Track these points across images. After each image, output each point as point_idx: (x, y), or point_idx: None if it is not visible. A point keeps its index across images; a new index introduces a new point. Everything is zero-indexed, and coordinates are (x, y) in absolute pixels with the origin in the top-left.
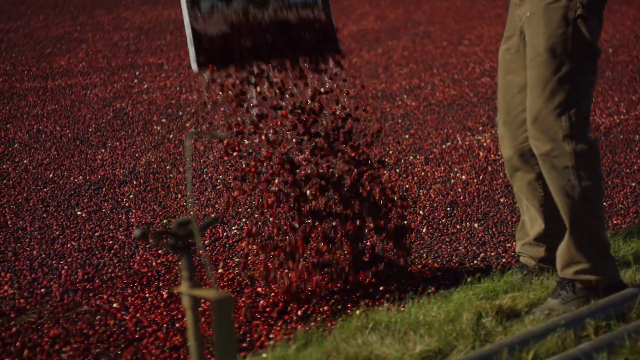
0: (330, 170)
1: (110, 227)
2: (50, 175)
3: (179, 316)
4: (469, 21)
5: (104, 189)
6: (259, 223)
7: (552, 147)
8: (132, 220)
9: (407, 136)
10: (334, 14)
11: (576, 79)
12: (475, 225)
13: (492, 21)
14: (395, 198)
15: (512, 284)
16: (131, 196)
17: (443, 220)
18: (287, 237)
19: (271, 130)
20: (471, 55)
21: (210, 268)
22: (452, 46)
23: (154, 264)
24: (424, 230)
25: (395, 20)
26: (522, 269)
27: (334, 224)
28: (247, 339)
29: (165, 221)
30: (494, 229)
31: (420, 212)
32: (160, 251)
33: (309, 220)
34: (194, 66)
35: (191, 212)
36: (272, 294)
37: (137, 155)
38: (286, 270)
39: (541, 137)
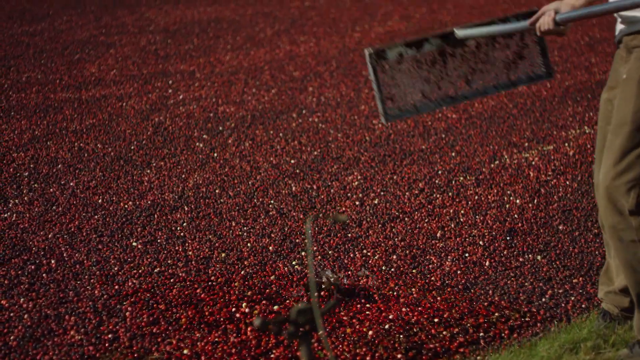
0: None
1: (169, 261)
2: (100, 201)
3: None
4: None
5: (155, 216)
6: None
7: (619, 219)
8: (190, 253)
9: (453, 154)
10: (358, 13)
11: None
12: (539, 257)
13: None
14: None
15: (596, 333)
16: (184, 224)
17: (505, 252)
18: None
19: None
20: None
21: (332, 355)
22: None
23: (216, 304)
24: (487, 263)
25: (421, 20)
26: (605, 317)
27: None
28: None
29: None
30: (557, 262)
31: (480, 243)
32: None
33: None
34: (383, 119)
35: (313, 299)
36: None
37: (183, 176)
38: None
39: (609, 207)
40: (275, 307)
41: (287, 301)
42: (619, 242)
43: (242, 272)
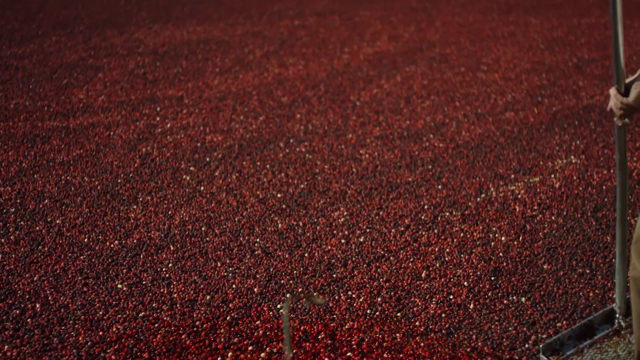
0: None
1: (154, 304)
2: (86, 240)
3: None
4: (484, 41)
5: (141, 256)
6: None
7: None
8: (175, 295)
9: (439, 186)
10: (347, 32)
11: None
12: (523, 299)
13: (506, 41)
14: None
15: None
16: (170, 265)
17: (489, 294)
18: None
19: None
20: (491, 83)
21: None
22: (470, 72)
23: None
24: (472, 306)
25: (410, 40)
26: None
27: None
28: None
29: (208, 297)
30: (542, 304)
31: (465, 284)
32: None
33: None
34: None
35: None
36: None
37: (170, 212)
38: None
39: (637, 261)
40: (262, 355)
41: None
42: (637, 295)
43: (228, 318)
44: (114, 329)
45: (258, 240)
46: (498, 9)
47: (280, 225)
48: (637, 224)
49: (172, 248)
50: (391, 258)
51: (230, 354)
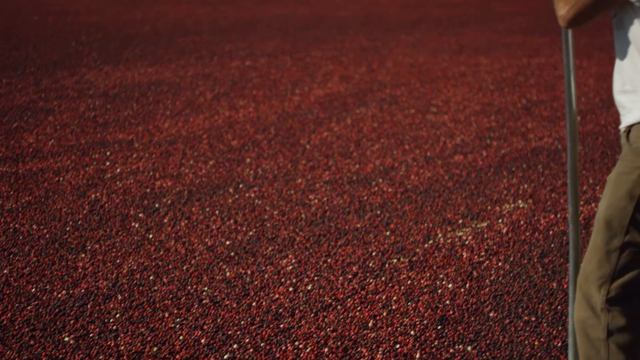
0: None
1: (100, 357)
2: (33, 290)
3: None
4: (434, 81)
5: (89, 306)
6: None
7: (589, 315)
8: (122, 348)
9: (388, 232)
10: (298, 73)
11: (627, 255)
12: (469, 348)
13: (456, 82)
14: None
15: None
16: (117, 315)
17: (435, 343)
18: None
19: None
20: (441, 126)
21: None
22: (420, 114)
23: None
24: (417, 356)
25: (361, 81)
26: None
27: None
28: None
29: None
30: (487, 353)
31: (412, 333)
32: None
33: None
34: None
35: None
36: None
37: (118, 261)
38: None
39: (582, 302)
40: None
41: None
42: (584, 338)
43: None
44: None
45: (206, 289)
46: (449, 49)
47: (228, 274)
48: (582, 264)
49: (119, 298)
50: (338, 307)
51: None
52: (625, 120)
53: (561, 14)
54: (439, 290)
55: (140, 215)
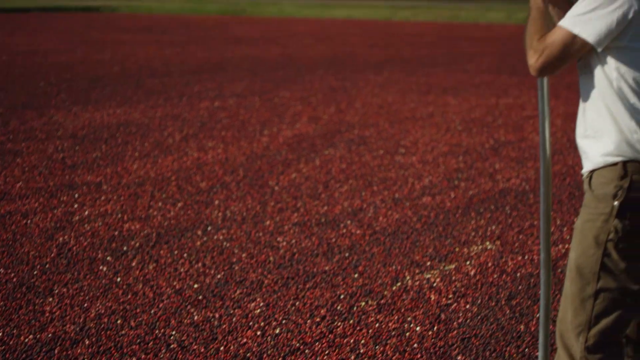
0: None
1: None
2: (0, 335)
3: None
4: (403, 122)
5: (56, 351)
6: None
7: None
8: None
9: (356, 275)
10: (267, 114)
11: (601, 301)
12: None
13: (424, 122)
14: None
15: None
16: None
17: None
18: None
19: None
20: (409, 167)
21: None
22: (389, 155)
23: None
24: None
25: (329, 122)
26: None
27: None
28: None
29: None
30: None
31: None
32: None
33: None
34: None
35: None
36: None
37: (85, 305)
38: None
39: (562, 353)
40: None
41: None
42: None
43: None
44: None
45: (174, 333)
46: (417, 89)
47: (196, 317)
48: (559, 315)
49: (87, 342)
50: (306, 351)
51: None
52: (587, 166)
53: (531, 63)
54: (407, 334)
55: (108, 258)
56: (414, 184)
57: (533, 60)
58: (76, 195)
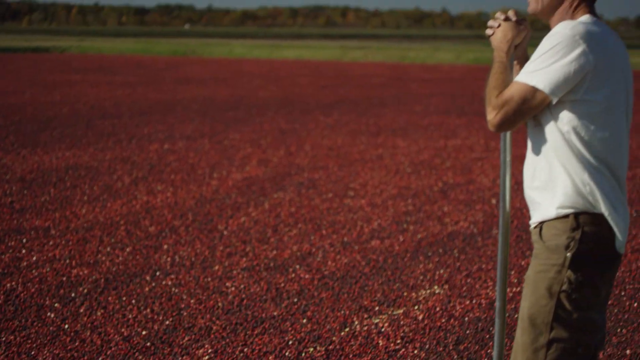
0: None
1: None
2: None
3: None
4: (352, 165)
5: None
6: None
7: None
8: None
9: (304, 320)
10: (217, 156)
11: (554, 352)
12: None
13: (374, 165)
14: None
15: None
16: None
17: None
18: None
19: None
20: (358, 210)
21: None
22: (338, 198)
23: None
24: None
25: (279, 164)
26: None
27: None
28: None
29: None
30: None
31: None
32: None
33: None
34: None
35: None
36: None
37: (33, 353)
38: None
39: None
40: None
41: None
42: None
43: None
44: None
45: None
46: (367, 131)
47: None
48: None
49: None
50: None
51: None
52: (536, 217)
53: (489, 119)
54: None
55: (56, 305)
56: (363, 228)
57: (491, 116)
58: (24, 240)
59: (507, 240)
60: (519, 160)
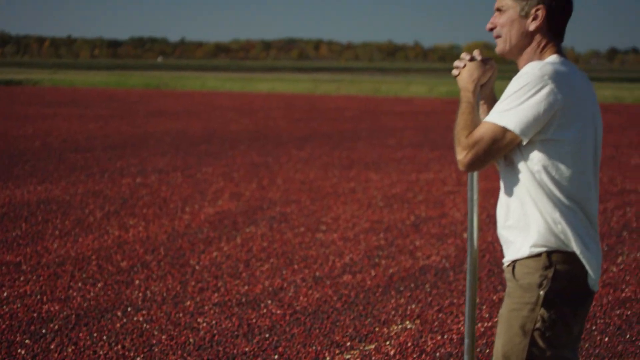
0: None
1: None
2: None
3: None
4: (324, 198)
5: None
6: None
7: None
8: None
9: (276, 356)
10: (189, 190)
11: None
12: None
13: (346, 198)
14: None
15: None
16: None
17: None
18: None
19: None
20: (330, 244)
21: None
22: (310, 232)
23: None
24: None
25: (251, 198)
26: None
27: None
28: None
29: None
30: None
31: None
32: None
33: None
34: None
35: None
36: None
37: None
38: None
39: None
40: None
41: None
42: None
43: None
44: None
45: None
46: (339, 164)
47: None
48: None
49: None
50: None
51: None
52: (509, 255)
53: (460, 159)
54: None
55: (26, 341)
56: (335, 262)
57: (462, 156)
58: None
59: (476, 279)
60: (490, 194)
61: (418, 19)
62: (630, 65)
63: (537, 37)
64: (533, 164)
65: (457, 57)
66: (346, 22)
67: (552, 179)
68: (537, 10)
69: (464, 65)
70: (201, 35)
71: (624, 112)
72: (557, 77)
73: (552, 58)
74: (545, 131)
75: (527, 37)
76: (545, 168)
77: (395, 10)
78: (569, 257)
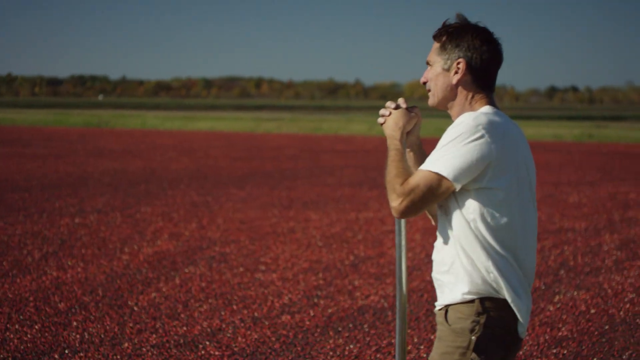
0: None
1: None
2: None
3: None
4: (264, 238)
5: None
6: None
7: None
8: None
9: None
10: (128, 230)
11: None
12: None
13: (285, 238)
14: None
15: None
16: None
17: None
18: None
19: None
20: (269, 285)
21: None
22: (249, 273)
23: None
24: None
25: (190, 238)
26: None
27: None
28: None
29: None
30: None
31: None
32: None
33: None
34: None
35: None
36: None
37: None
38: None
39: None
40: None
41: None
42: None
43: None
44: None
45: None
46: (279, 204)
47: None
48: None
49: None
50: None
51: None
52: (442, 300)
53: (394, 206)
54: None
55: None
56: (274, 302)
57: (397, 203)
58: None
59: (405, 325)
60: (429, 233)
61: (359, 57)
62: (569, 103)
63: (462, 90)
64: (468, 213)
65: (399, 96)
66: (287, 60)
67: (487, 227)
68: (457, 63)
69: (390, 114)
70: (142, 73)
71: (563, 150)
72: (491, 128)
73: (485, 109)
74: (479, 180)
75: (452, 90)
76: (480, 216)
77: (337, 48)
78: (501, 304)
